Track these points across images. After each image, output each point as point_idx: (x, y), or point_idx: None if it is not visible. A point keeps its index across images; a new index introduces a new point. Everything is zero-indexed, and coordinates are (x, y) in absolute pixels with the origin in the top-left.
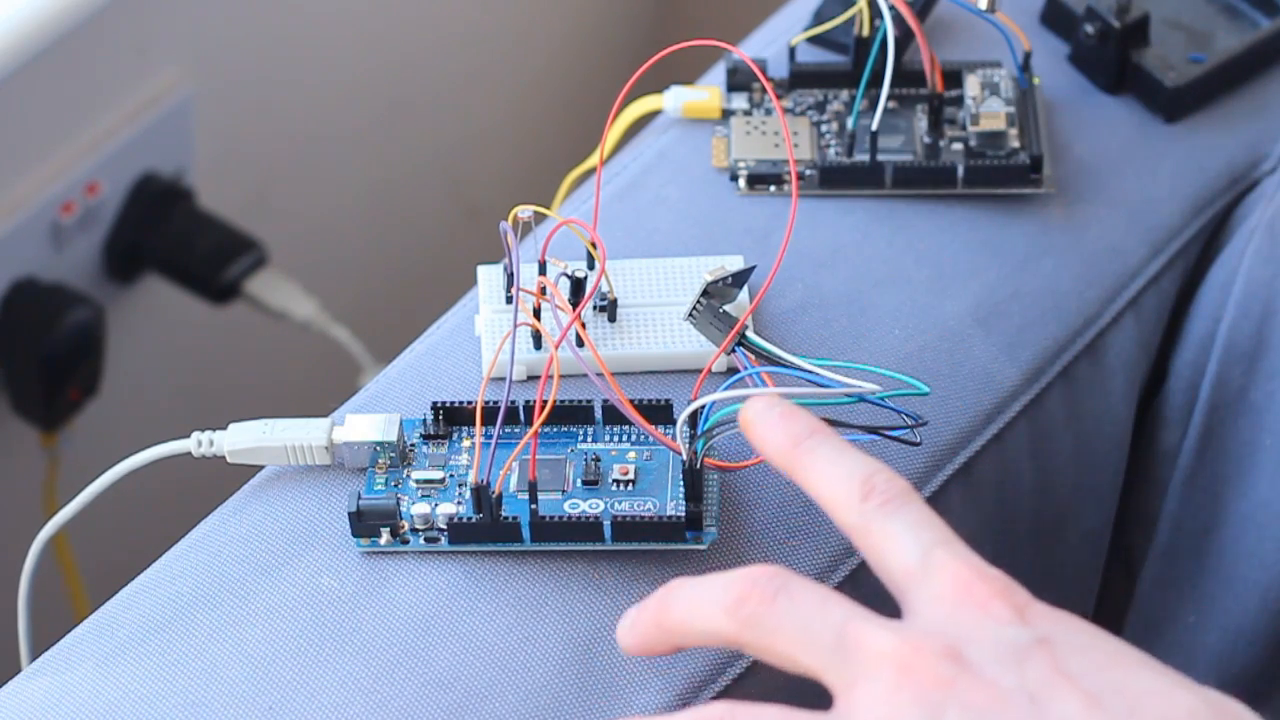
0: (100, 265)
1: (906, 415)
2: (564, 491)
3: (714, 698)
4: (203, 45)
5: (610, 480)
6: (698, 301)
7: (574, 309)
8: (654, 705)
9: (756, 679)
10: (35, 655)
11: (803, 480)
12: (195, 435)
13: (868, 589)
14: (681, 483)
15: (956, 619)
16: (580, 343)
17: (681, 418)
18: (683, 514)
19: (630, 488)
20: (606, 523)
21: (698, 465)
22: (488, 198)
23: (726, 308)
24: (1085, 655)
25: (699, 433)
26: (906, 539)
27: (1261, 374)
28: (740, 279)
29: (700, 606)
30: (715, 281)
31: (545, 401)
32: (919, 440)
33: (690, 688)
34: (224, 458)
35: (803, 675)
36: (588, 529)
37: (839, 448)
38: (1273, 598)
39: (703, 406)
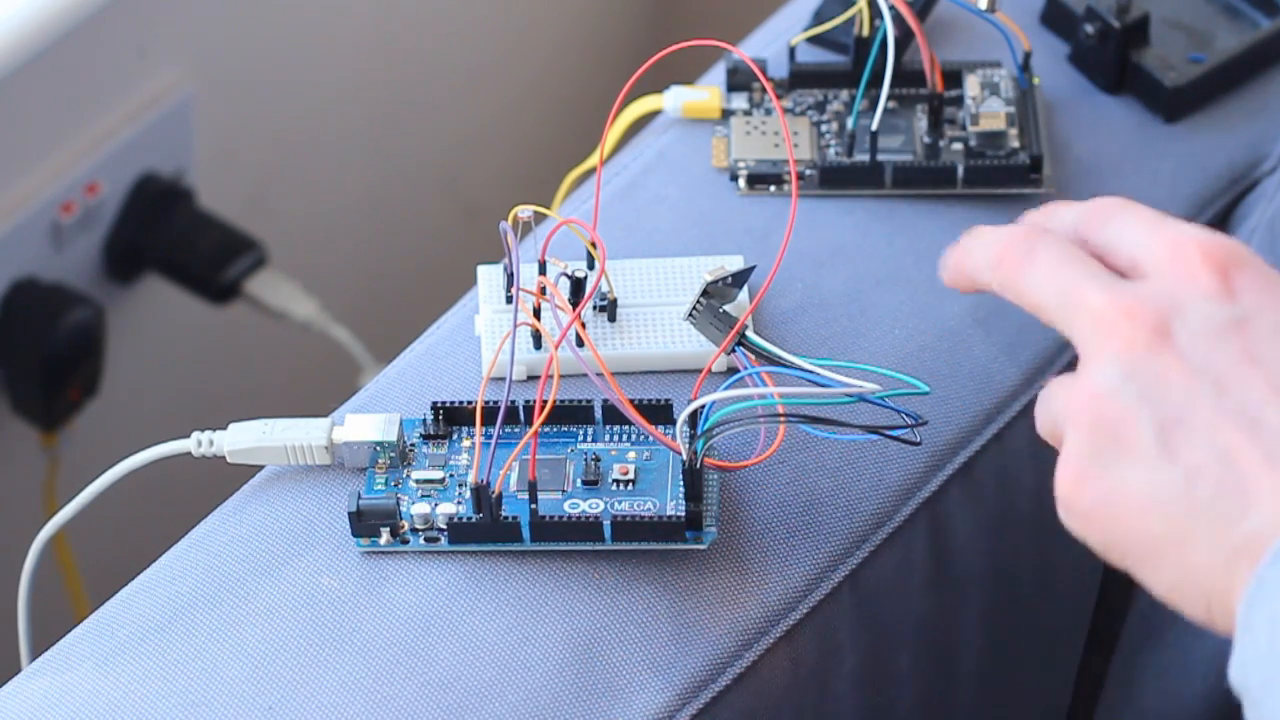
0: (100, 265)
1: (907, 415)
2: (564, 491)
3: (714, 698)
4: (203, 45)
5: (610, 480)
6: (697, 301)
7: (574, 309)
8: (654, 705)
9: (757, 679)
10: (35, 655)
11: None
12: (195, 435)
13: (868, 588)
14: (681, 482)
15: (1169, 286)
16: (580, 343)
17: (681, 417)
18: (683, 514)
19: (630, 487)
20: (606, 522)
21: (697, 465)
22: (487, 198)
23: (726, 308)
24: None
25: (699, 432)
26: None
27: None
28: (740, 279)
29: (975, 259)
30: (715, 281)
31: (545, 401)
32: (919, 440)
33: (690, 687)
34: (224, 458)
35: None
36: (587, 529)
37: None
38: None
39: (702, 406)
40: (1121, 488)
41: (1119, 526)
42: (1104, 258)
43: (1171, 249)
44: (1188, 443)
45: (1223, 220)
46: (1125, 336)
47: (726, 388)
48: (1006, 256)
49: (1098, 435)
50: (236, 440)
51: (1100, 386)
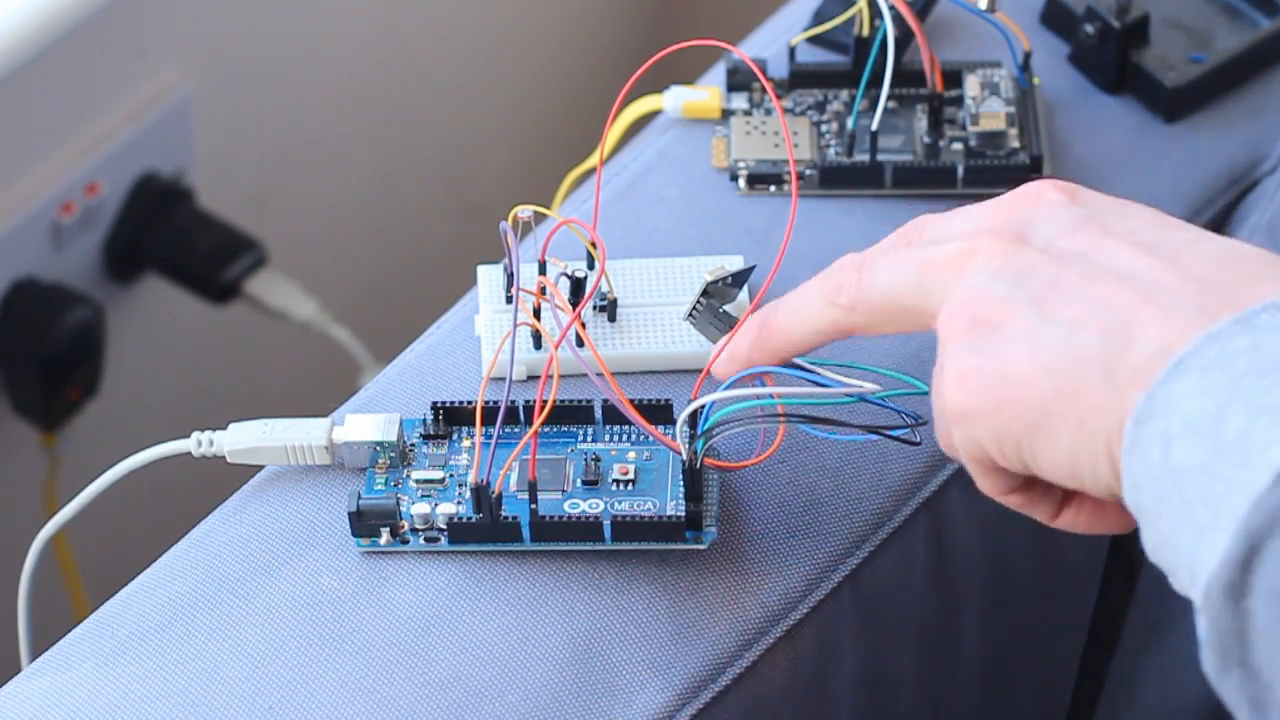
0: (100, 265)
1: (906, 415)
2: (564, 491)
3: (713, 698)
4: (203, 45)
5: (610, 480)
6: (697, 301)
7: (574, 309)
8: (654, 705)
9: (757, 679)
10: (35, 655)
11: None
12: (195, 435)
13: (868, 588)
14: (681, 482)
15: (1018, 211)
16: (580, 343)
17: (681, 418)
18: (682, 514)
19: (630, 487)
20: (606, 522)
21: (697, 465)
22: (487, 198)
23: (726, 308)
24: (1130, 219)
25: (699, 433)
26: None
27: None
28: (740, 279)
29: (804, 311)
30: (715, 281)
31: (545, 401)
32: (919, 440)
33: (690, 687)
34: (224, 458)
35: (919, 327)
36: (587, 529)
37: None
38: None
39: (702, 406)
40: (1007, 364)
41: (1011, 407)
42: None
43: (1010, 195)
44: (1065, 301)
45: (1223, 220)
46: (984, 251)
47: (726, 388)
48: (841, 282)
49: (975, 330)
50: (236, 440)
51: (969, 291)
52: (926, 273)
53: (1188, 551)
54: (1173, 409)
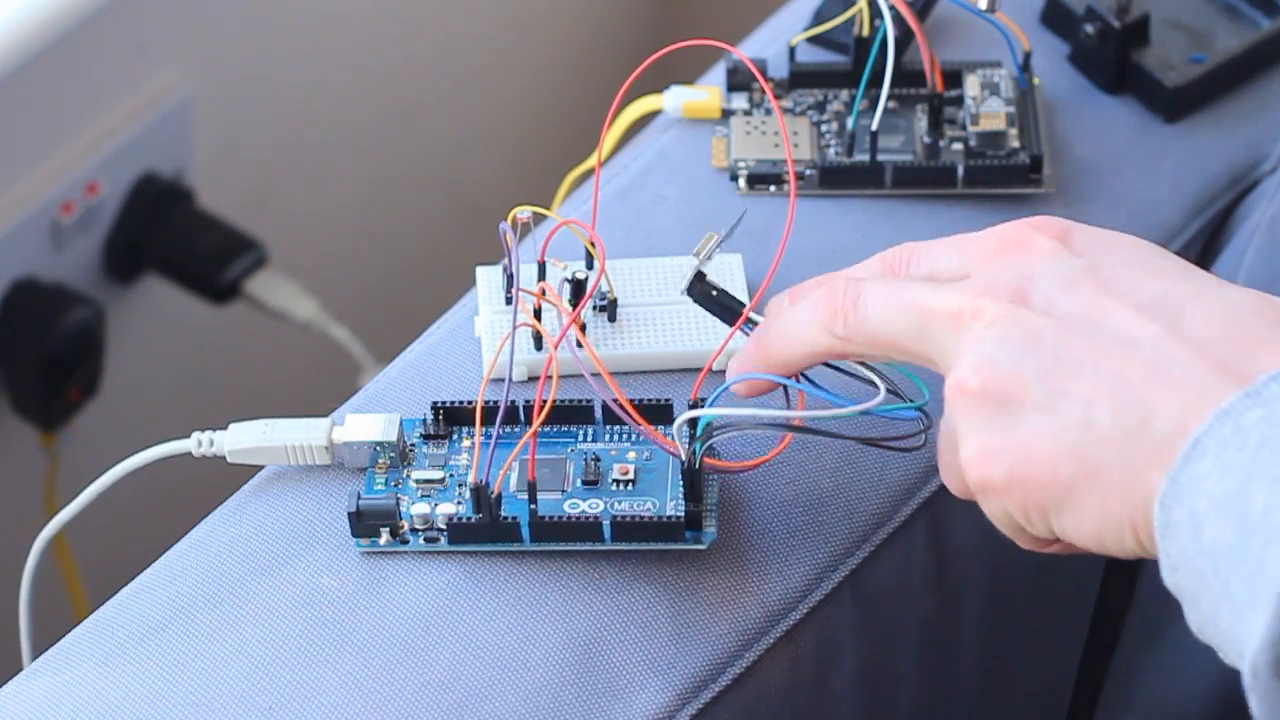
0: (100, 265)
1: (910, 418)
2: (564, 491)
3: (714, 698)
4: (203, 45)
5: (610, 480)
6: (695, 281)
7: (574, 310)
8: (654, 705)
9: (757, 679)
10: (36, 655)
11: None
12: (195, 435)
13: (868, 588)
14: (681, 483)
15: (1011, 263)
16: (580, 344)
17: (680, 421)
18: (682, 514)
19: (630, 487)
20: (606, 523)
21: (697, 466)
22: (487, 198)
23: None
24: (1130, 272)
25: (698, 435)
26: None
27: None
28: (732, 230)
29: (799, 335)
30: (707, 254)
31: (545, 401)
32: (922, 443)
33: (690, 687)
34: (224, 458)
35: (919, 364)
36: (587, 529)
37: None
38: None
39: (702, 405)
40: (1028, 444)
41: (1035, 484)
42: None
43: (998, 238)
44: (1075, 378)
45: (1223, 220)
46: (986, 314)
47: (726, 388)
48: (836, 309)
49: (988, 406)
50: (237, 440)
51: (977, 363)
52: (927, 321)
53: (1231, 629)
54: (1198, 491)
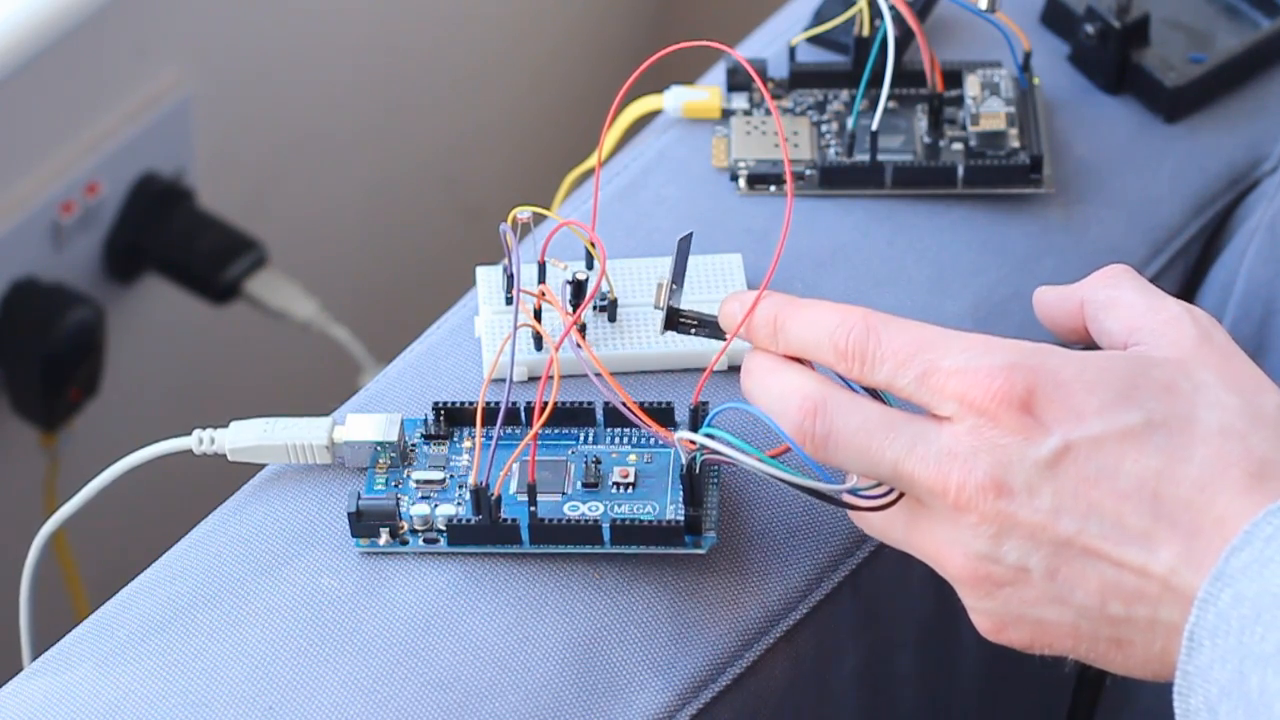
0: (100, 265)
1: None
2: (564, 494)
3: (714, 698)
4: (203, 45)
5: (610, 483)
6: (670, 323)
7: (574, 311)
8: (654, 705)
9: (757, 679)
10: (36, 655)
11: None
12: (196, 433)
13: (868, 589)
14: (681, 487)
15: (982, 436)
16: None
17: (683, 430)
18: (682, 518)
19: (630, 490)
20: (605, 526)
21: (697, 470)
22: (487, 198)
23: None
24: (1101, 452)
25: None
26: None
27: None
28: (680, 262)
29: (772, 416)
30: (671, 290)
31: (546, 403)
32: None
33: (690, 687)
34: (224, 456)
35: None
36: (587, 532)
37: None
38: None
39: (704, 410)
40: (1045, 624)
41: (1057, 648)
42: (885, 391)
43: (960, 393)
44: (1080, 574)
45: (1223, 220)
46: (976, 510)
47: (723, 408)
48: (804, 437)
49: (998, 594)
50: (237, 438)
51: (978, 559)
52: (908, 484)
53: None
54: (1207, 679)
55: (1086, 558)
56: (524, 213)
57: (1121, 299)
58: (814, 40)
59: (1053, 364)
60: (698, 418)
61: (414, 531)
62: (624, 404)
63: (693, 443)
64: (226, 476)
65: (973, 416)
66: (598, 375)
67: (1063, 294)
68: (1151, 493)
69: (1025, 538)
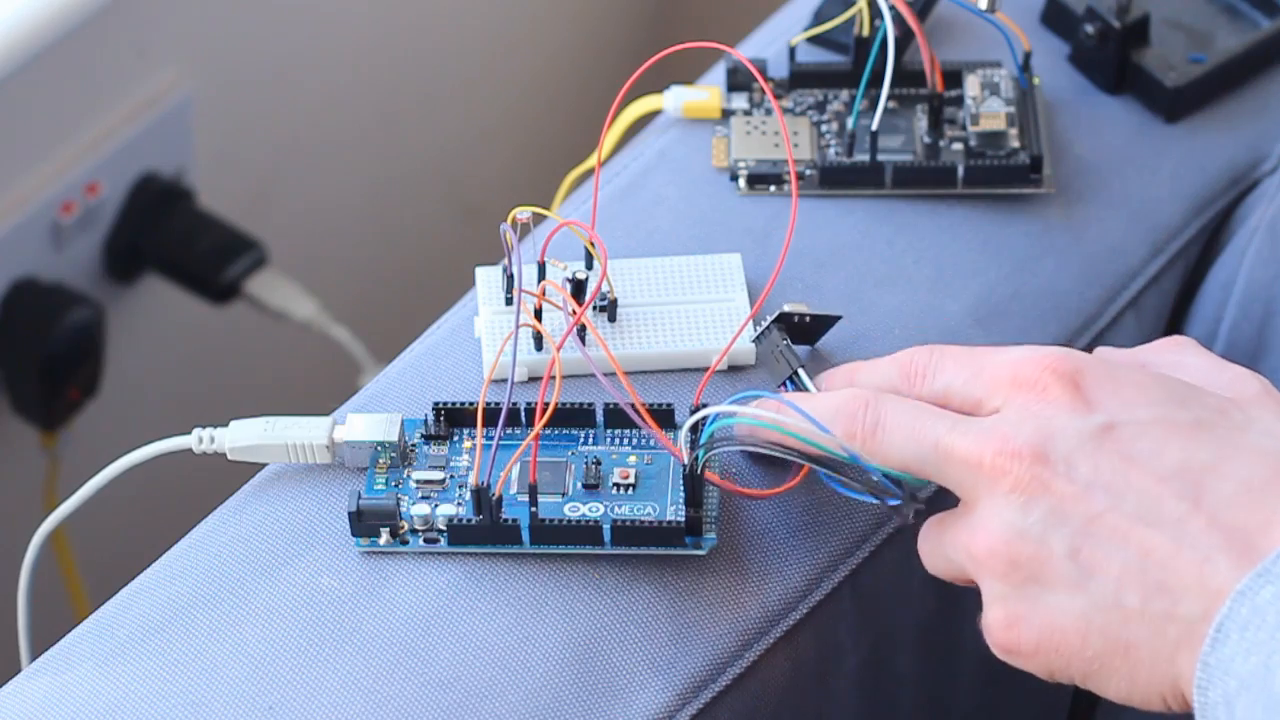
0: (100, 265)
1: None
2: (564, 494)
3: (714, 698)
4: (203, 45)
5: (611, 484)
6: (770, 328)
7: (578, 309)
8: (654, 705)
9: (757, 679)
10: (35, 655)
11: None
12: (196, 432)
13: (868, 589)
14: (682, 488)
15: (1028, 412)
16: (583, 340)
17: (684, 429)
18: (682, 519)
19: (630, 491)
20: (606, 526)
21: (698, 471)
22: (487, 198)
23: (794, 347)
24: (1147, 434)
25: (700, 442)
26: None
27: (1263, 374)
28: (820, 325)
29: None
30: (793, 315)
31: (548, 404)
32: (910, 518)
33: (690, 687)
34: (225, 455)
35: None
36: (587, 532)
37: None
38: None
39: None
40: (1056, 619)
41: (1063, 655)
42: (942, 405)
43: (1012, 372)
44: (1103, 557)
45: (1223, 220)
46: (1010, 475)
47: (732, 401)
48: (855, 431)
49: (1016, 576)
50: (238, 437)
51: (1004, 530)
52: (945, 460)
53: None
54: (1228, 672)
55: (1112, 539)
56: (524, 213)
57: (1185, 362)
58: (814, 40)
59: (1107, 359)
60: (697, 425)
61: (414, 531)
62: (632, 406)
63: (696, 430)
64: (226, 476)
65: (1022, 395)
66: (607, 375)
67: (1126, 357)
68: (1194, 482)
69: (1054, 508)
